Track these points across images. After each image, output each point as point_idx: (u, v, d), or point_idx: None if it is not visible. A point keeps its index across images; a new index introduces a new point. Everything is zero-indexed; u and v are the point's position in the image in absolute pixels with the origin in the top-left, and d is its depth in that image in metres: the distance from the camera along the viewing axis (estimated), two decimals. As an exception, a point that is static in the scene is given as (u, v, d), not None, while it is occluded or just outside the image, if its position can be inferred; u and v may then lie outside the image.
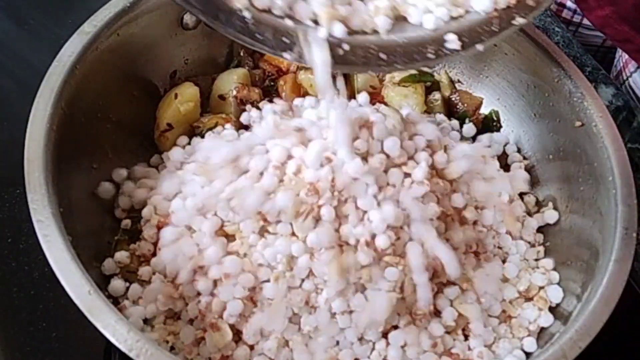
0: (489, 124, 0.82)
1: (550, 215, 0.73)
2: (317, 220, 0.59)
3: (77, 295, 0.53)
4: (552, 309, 0.67)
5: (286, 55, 0.50)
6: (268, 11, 0.49)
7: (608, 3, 0.83)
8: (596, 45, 1.10)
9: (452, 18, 0.52)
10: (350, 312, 0.60)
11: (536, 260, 0.70)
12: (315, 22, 0.50)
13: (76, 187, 0.66)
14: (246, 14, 0.48)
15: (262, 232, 0.61)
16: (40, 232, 0.56)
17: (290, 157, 0.61)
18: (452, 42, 0.52)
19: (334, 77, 0.53)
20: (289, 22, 0.49)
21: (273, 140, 0.63)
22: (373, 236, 0.59)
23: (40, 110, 0.62)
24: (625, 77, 1.03)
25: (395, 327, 0.62)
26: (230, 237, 0.62)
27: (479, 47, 0.52)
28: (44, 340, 0.67)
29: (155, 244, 0.66)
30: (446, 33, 0.52)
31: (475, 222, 0.67)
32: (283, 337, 0.60)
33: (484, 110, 0.83)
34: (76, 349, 0.68)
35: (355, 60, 0.51)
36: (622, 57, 1.05)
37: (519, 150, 0.80)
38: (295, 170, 0.60)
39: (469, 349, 0.63)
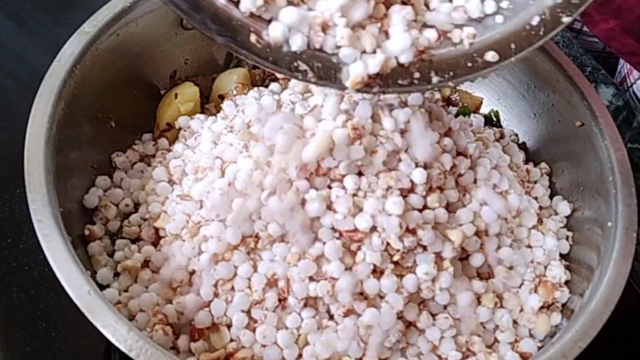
0: (489, 124, 0.82)
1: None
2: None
3: (77, 295, 0.53)
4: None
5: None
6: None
7: (612, 16, 0.83)
8: (597, 51, 1.10)
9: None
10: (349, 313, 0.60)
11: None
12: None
13: (76, 187, 0.66)
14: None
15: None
16: (40, 232, 0.56)
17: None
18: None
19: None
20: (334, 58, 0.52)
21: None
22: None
23: (40, 110, 0.62)
24: (629, 84, 1.03)
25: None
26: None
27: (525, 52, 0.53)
28: (44, 340, 0.67)
29: (154, 244, 0.66)
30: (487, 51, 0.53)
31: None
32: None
33: (484, 110, 0.83)
34: (76, 349, 0.68)
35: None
36: (625, 64, 1.05)
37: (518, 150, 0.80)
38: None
39: (469, 349, 0.63)
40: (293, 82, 0.73)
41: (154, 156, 0.75)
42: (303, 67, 0.51)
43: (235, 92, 0.77)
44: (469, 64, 0.54)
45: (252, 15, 0.50)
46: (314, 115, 0.62)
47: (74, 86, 0.65)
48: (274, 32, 0.50)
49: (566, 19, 0.52)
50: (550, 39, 0.53)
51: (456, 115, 0.80)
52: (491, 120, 0.82)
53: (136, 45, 0.74)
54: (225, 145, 0.65)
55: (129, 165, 0.73)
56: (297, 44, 0.50)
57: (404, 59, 0.52)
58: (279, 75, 0.78)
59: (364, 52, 0.52)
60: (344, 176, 0.60)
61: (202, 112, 0.78)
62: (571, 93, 0.73)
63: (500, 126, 0.82)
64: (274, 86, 0.77)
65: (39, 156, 0.59)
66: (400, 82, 0.53)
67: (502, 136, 0.80)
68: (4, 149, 0.74)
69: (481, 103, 0.83)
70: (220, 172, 0.63)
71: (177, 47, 0.79)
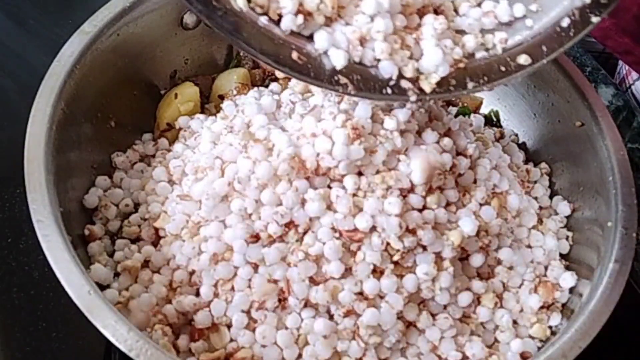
0: (489, 124, 0.82)
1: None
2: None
3: (77, 295, 0.53)
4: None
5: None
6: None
7: (608, 15, 0.83)
8: (597, 51, 1.10)
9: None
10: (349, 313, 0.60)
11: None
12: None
13: (76, 187, 0.66)
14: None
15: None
16: (40, 232, 0.56)
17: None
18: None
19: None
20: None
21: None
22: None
23: (40, 110, 0.62)
24: (628, 84, 1.03)
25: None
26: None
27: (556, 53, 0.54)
28: (44, 340, 0.67)
29: (154, 244, 0.66)
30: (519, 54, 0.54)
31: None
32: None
33: (484, 110, 0.83)
34: (76, 349, 0.68)
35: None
36: (624, 65, 1.05)
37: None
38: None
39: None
40: (293, 82, 0.73)
41: (154, 156, 0.75)
42: (343, 80, 0.52)
43: (235, 92, 0.77)
44: (503, 68, 0.55)
45: (292, 33, 0.52)
46: (314, 115, 0.62)
47: (74, 86, 0.65)
48: (319, 44, 0.52)
49: (595, 19, 0.53)
50: (580, 39, 0.54)
51: (456, 115, 0.80)
52: (491, 120, 0.82)
53: (136, 45, 0.74)
54: (225, 145, 0.65)
55: (129, 165, 0.73)
56: (339, 62, 0.52)
57: (442, 72, 0.53)
58: (279, 75, 0.79)
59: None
60: (343, 176, 0.60)
61: (202, 112, 0.78)
62: (571, 93, 0.73)
63: (500, 126, 0.82)
64: (274, 86, 0.77)
65: (39, 156, 0.59)
66: (437, 90, 0.54)
67: (502, 136, 0.80)
68: (4, 149, 0.74)
69: (481, 103, 0.83)
70: (220, 172, 0.63)
71: (177, 47, 0.79)
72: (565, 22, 0.54)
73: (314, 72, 0.52)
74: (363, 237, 0.59)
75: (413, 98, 0.54)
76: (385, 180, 0.59)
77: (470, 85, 0.54)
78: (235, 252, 0.60)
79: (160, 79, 0.79)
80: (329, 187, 0.60)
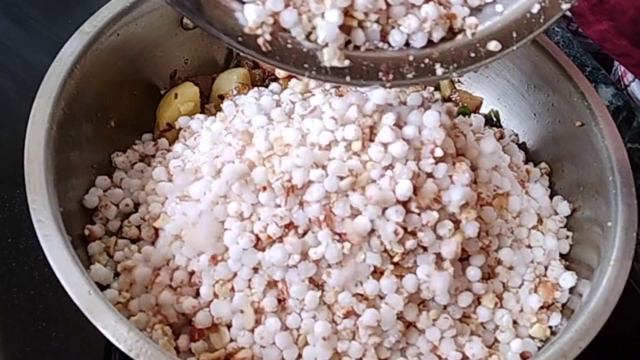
0: (489, 124, 0.82)
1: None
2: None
3: (77, 295, 0.53)
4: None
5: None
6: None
7: (606, 18, 0.83)
8: (594, 52, 1.10)
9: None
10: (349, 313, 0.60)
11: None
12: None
13: (76, 187, 0.66)
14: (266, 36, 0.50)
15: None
16: (40, 232, 0.56)
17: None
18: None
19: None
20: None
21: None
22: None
23: (40, 110, 0.62)
24: (624, 85, 1.04)
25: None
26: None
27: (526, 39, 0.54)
28: (44, 340, 0.67)
29: (154, 244, 0.66)
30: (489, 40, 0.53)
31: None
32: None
33: (484, 110, 0.83)
34: (76, 349, 0.68)
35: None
36: (620, 65, 1.05)
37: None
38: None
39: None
40: (293, 82, 0.73)
41: (154, 156, 0.75)
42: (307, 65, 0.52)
43: (235, 92, 0.77)
44: (472, 54, 0.54)
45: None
46: (315, 115, 0.62)
47: (74, 86, 0.65)
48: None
49: (565, 5, 0.53)
50: (550, 26, 0.54)
51: (456, 116, 0.80)
52: (491, 120, 0.82)
53: (136, 45, 0.74)
54: (224, 146, 0.65)
55: (129, 165, 0.73)
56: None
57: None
58: (279, 75, 0.79)
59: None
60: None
61: (202, 112, 0.78)
62: (571, 93, 0.73)
63: (500, 126, 0.82)
64: (274, 86, 0.76)
65: (39, 156, 0.59)
66: (408, 75, 0.53)
67: (502, 136, 0.80)
68: (4, 149, 0.74)
69: (481, 103, 0.83)
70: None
71: (177, 47, 0.79)
72: (536, 9, 0.54)
73: (279, 55, 0.51)
74: (362, 241, 0.59)
75: (388, 85, 0.53)
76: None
77: (439, 71, 0.54)
78: (231, 257, 0.60)
79: (160, 79, 0.79)
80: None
